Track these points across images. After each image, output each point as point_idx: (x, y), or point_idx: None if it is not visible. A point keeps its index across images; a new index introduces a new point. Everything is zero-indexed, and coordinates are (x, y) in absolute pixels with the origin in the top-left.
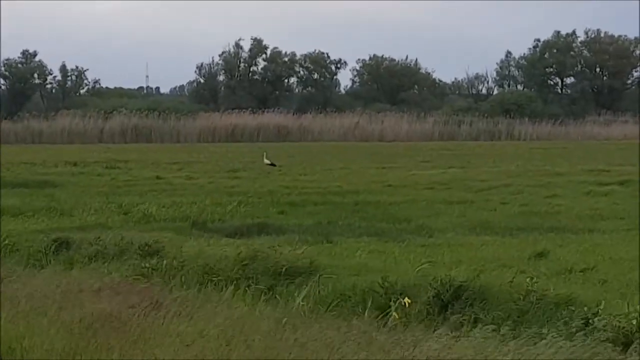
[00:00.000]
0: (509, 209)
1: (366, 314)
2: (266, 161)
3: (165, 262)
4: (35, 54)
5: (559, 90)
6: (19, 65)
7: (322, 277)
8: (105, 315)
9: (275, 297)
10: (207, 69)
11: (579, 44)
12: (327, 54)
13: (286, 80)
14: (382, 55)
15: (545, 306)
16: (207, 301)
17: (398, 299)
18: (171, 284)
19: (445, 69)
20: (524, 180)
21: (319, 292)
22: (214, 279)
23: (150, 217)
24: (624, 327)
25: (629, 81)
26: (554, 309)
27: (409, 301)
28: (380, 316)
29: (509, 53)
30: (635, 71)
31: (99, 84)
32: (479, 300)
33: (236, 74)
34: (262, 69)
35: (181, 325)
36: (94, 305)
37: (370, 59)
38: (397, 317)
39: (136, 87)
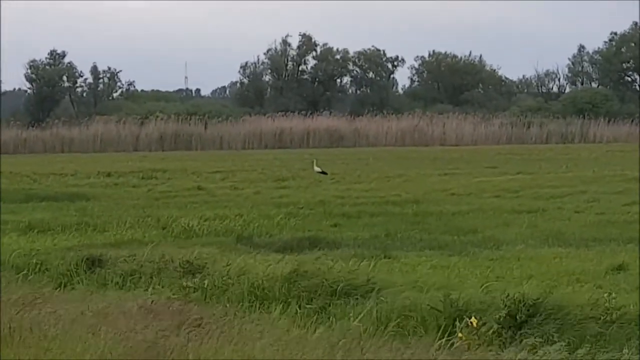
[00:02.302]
0: (584, 218)
1: (429, 335)
2: (317, 169)
3: (207, 280)
4: (64, 55)
5: (637, 88)
6: (47, 67)
7: (380, 295)
8: (141, 340)
9: (329, 318)
10: (251, 68)
11: None
12: (383, 51)
13: (338, 80)
14: (444, 52)
15: (625, 325)
16: (254, 323)
17: (463, 317)
18: (214, 304)
19: (513, 66)
20: (600, 186)
21: (376, 311)
22: (261, 298)
23: (191, 232)
24: None
25: None
26: (635, 327)
27: (476, 321)
28: (444, 337)
29: (582, 47)
30: None
31: (134, 87)
32: (553, 318)
33: (284, 73)
34: (311, 67)
35: (225, 350)
36: (129, 329)
37: (430, 55)
38: (462, 337)
39: (174, 89)
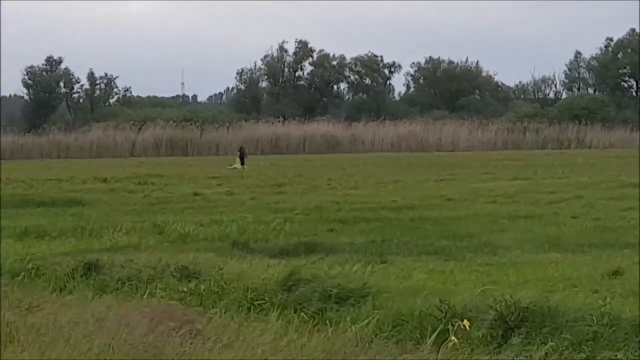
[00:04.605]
0: (580, 223)
1: (424, 339)
2: (235, 166)
3: (203, 285)
4: (60, 61)
5: (634, 94)
6: (44, 74)
7: (376, 300)
8: (139, 345)
9: (325, 323)
10: (248, 74)
11: None
12: (380, 57)
13: (335, 86)
14: (439, 58)
15: (620, 329)
16: (250, 328)
17: (457, 322)
18: (211, 309)
19: (509, 72)
20: (596, 192)
21: (372, 317)
22: (257, 303)
23: (187, 237)
24: None
25: None
26: (630, 332)
27: (468, 324)
28: (440, 342)
29: (578, 53)
30: None
31: (130, 93)
32: (548, 323)
33: (280, 79)
34: (308, 74)
35: (222, 355)
36: (126, 333)
37: (426, 62)
38: (456, 341)
39: (171, 95)
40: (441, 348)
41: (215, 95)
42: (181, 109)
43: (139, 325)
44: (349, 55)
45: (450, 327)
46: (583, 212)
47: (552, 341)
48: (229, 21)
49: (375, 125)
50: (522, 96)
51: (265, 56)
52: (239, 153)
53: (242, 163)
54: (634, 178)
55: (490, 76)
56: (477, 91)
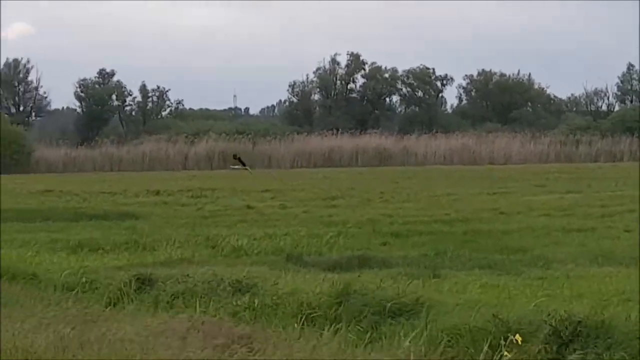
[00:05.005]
0: (634, 237)
1: (478, 354)
2: (236, 166)
3: (258, 299)
4: (113, 74)
5: None
6: (96, 86)
7: (429, 314)
8: None
9: (379, 338)
10: (300, 87)
11: None
12: (433, 69)
13: (387, 99)
14: (491, 70)
15: None
16: (305, 342)
17: (509, 337)
18: (264, 323)
19: (561, 84)
20: None
21: (426, 331)
22: (310, 317)
23: (241, 251)
24: None
25: None
26: None
27: (520, 339)
28: (493, 357)
29: (631, 66)
30: None
31: (183, 105)
32: (602, 338)
33: (332, 92)
34: (360, 86)
35: None
36: (180, 349)
37: (478, 74)
38: (508, 356)
39: (223, 108)
40: None
41: (267, 107)
42: (233, 122)
43: (194, 340)
44: (401, 68)
45: (502, 341)
46: (637, 226)
47: (606, 356)
48: (281, 33)
49: (428, 138)
50: (574, 109)
51: (318, 69)
52: (238, 162)
53: (244, 165)
54: None
55: (543, 89)
56: (529, 104)
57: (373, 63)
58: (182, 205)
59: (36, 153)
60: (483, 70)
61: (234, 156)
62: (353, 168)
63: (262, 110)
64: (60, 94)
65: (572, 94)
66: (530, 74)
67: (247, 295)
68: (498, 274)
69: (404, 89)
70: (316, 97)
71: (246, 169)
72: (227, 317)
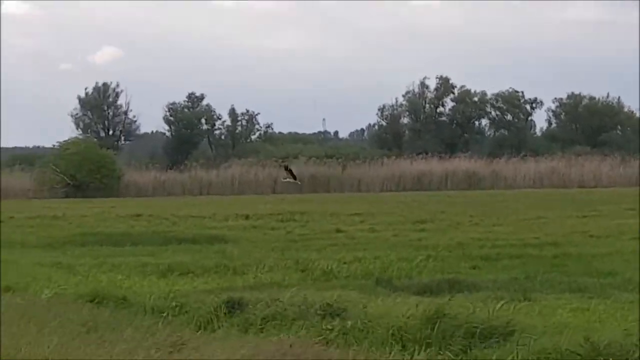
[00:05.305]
0: None
1: None
2: (286, 179)
3: (349, 323)
4: (202, 98)
5: None
6: (185, 110)
7: (520, 338)
8: None
9: None
10: (389, 111)
11: None
12: (522, 92)
13: (476, 122)
14: (580, 93)
15: None
16: None
17: None
18: (355, 346)
19: None
20: None
21: (518, 355)
22: (401, 340)
23: (331, 274)
24: None
25: None
26: None
27: None
28: None
29: None
30: None
31: (272, 129)
32: None
33: (421, 115)
34: (449, 109)
35: None
36: None
37: (568, 97)
38: None
39: (312, 131)
40: None
41: (357, 131)
42: (323, 145)
43: None
44: (490, 91)
45: None
46: None
47: None
48: (369, 57)
49: (517, 161)
50: None
51: (407, 92)
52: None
53: (294, 177)
54: None
55: (632, 112)
56: (618, 127)
57: (462, 86)
58: (271, 228)
59: (126, 177)
60: (572, 93)
61: (285, 167)
62: (442, 191)
63: (352, 134)
64: (149, 118)
65: None
66: (619, 97)
67: (337, 319)
68: (588, 297)
69: (493, 112)
70: (405, 120)
71: (296, 182)
72: (318, 341)
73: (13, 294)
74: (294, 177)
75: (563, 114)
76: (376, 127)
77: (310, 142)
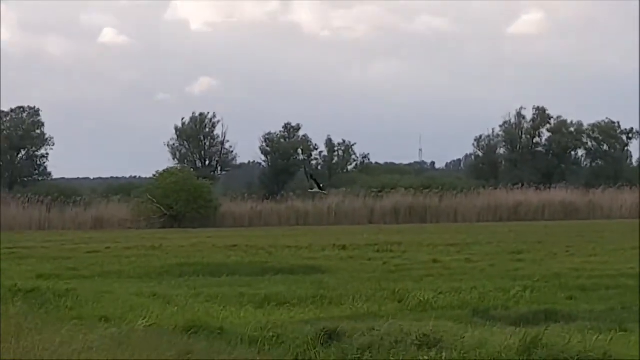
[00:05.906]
0: None
1: None
2: (313, 189)
3: (444, 353)
4: (298, 128)
5: None
6: (282, 140)
7: None
8: None
9: None
10: (486, 141)
11: None
12: (618, 122)
13: (573, 152)
14: None
15: None
16: None
17: None
18: None
19: None
20: None
21: None
22: None
23: (427, 305)
24: None
25: None
26: None
27: None
28: None
29: None
30: None
31: (368, 159)
32: None
33: (518, 146)
34: (546, 140)
35: None
36: None
37: None
38: None
39: (409, 162)
40: None
41: (453, 162)
42: (419, 176)
43: None
44: (586, 122)
45: None
46: None
47: None
48: (464, 87)
49: (614, 191)
50: None
51: (504, 122)
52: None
53: (320, 188)
54: None
55: None
56: None
57: (559, 117)
58: (368, 259)
59: (222, 207)
60: None
61: (310, 176)
62: (539, 222)
63: (448, 165)
64: (246, 148)
65: None
66: None
67: (434, 350)
68: None
69: (589, 143)
70: (502, 151)
71: (324, 193)
72: None
73: (110, 324)
74: (320, 188)
75: None
76: (473, 157)
77: (407, 173)
